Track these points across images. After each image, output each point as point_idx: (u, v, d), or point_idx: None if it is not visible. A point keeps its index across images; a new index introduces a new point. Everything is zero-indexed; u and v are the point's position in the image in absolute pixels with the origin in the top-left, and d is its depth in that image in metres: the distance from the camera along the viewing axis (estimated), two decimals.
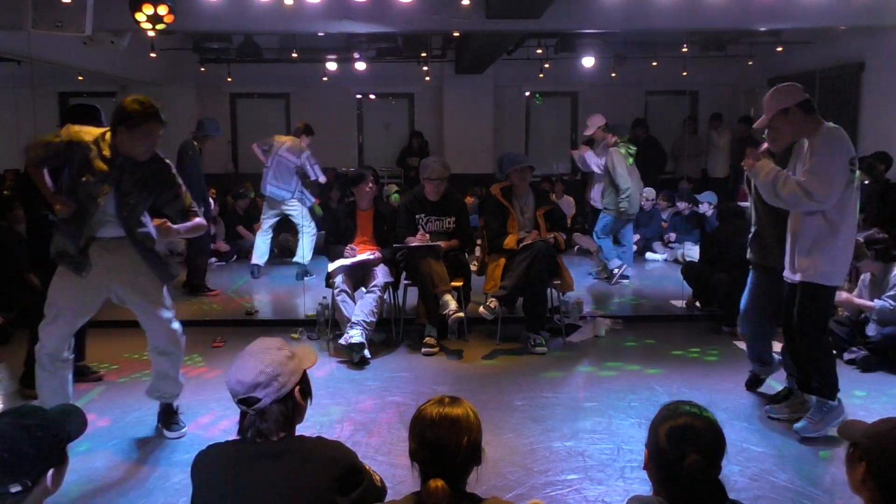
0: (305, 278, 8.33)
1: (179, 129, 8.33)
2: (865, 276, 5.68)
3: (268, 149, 8.50)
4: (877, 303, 5.41)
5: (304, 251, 8.47)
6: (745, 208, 8.22)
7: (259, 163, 8.69)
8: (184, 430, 4.26)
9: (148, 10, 6.20)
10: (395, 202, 7.86)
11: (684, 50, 10.01)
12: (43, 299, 3.99)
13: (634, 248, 9.74)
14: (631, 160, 8.08)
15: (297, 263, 8.53)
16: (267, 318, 6.96)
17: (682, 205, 9.75)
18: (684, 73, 10.35)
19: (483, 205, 6.70)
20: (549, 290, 6.14)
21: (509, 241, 6.00)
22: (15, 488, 1.79)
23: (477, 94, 12.40)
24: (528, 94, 12.90)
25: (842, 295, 5.43)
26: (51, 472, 1.85)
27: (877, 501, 1.82)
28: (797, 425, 4.18)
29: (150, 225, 4.06)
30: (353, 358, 5.52)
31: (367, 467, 2.28)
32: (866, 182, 7.78)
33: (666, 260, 9.59)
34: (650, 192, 9.76)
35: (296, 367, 2.21)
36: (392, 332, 6.29)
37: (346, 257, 5.99)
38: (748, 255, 4.68)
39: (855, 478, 1.86)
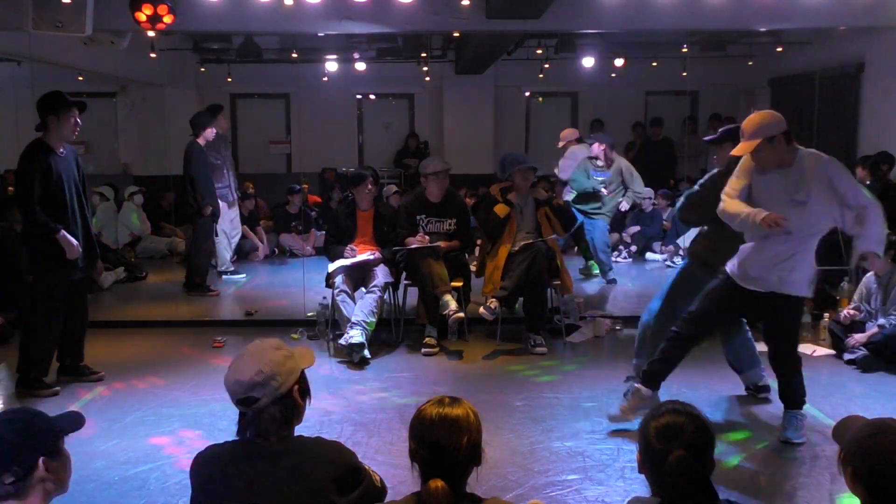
0: (232, 275, 8.49)
1: (179, 129, 8.33)
2: (870, 277, 5.68)
3: None
4: (882, 321, 5.46)
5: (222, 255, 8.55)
6: None
7: (259, 162, 8.70)
8: None
9: (148, 10, 6.21)
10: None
11: (684, 50, 10.02)
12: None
13: (634, 248, 9.76)
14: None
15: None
16: (267, 319, 6.96)
17: None
18: (684, 73, 10.36)
19: (480, 203, 6.69)
20: (548, 290, 6.14)
21: (499, 209, 6.00)
22: (8, 479, 1.82)
23: (477, 94, 12.40)
24: (527, 94, 12.90)
25: (854, 337, 5.51)
26: (42, 459, 1.86)
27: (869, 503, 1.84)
28: (785, 435, 4.17)
29: None
30: (353, 358, 5.52)
31: (367, 467, 2.28)
32: (868, 182, 7.78)
33: (665, 260, 9.59)
34: (648, 192, 9.74)
35: (293, 366, 2.21)
36: (392, 332, 6.29)
37: (346, 258, 5.99)
38: (698, 253, 4.66)
39: (846, 479, 1.88)
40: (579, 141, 8.52)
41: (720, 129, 4.72)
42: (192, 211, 7.72)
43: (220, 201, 8.06)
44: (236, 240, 8.76)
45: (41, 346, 4.95)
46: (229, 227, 8.46)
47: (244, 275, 8.64)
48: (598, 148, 8.05)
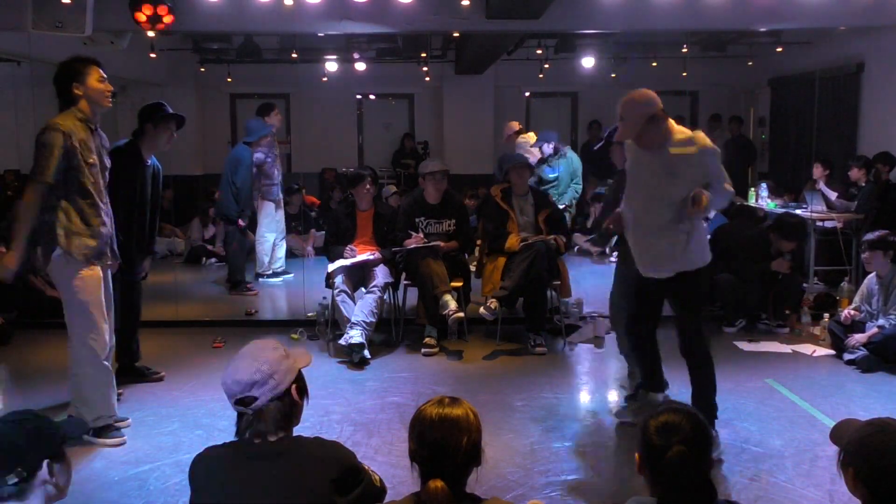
0: (286, 275, 8.45)
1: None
2: (871, 278, 5.68)
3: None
4: (881, 321, 5.47)
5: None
6: (756, 207, 8.18)
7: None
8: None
9: (148, 10, 6.22)
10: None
11: (684, 50, 10.01)
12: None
13: None
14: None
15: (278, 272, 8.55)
16: (267, 319, 6.95)
17: None
18: (684, 74, 10.34)
19: (482, 207, 6.70)
20: (549, 290, 6.14)
21: (511, 244, 5.98)
22: (12, 480, 1.84)
23: (477, 94, 12.40)
24: (527, 94, 12.89)
25: (854, 337, 5.50)
26: (46, 462, 1.87)
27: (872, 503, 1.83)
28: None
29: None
30: (353, 358, 5.52)
31: (367, 467, 2.28)
32: (863, 184, 7.77)
33: None
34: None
35: (291, 365, 2.20)
36: (392, 332, 6.29)
37: (346, 258, 5.99)
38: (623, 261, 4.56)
39: (847, 481, 1.88)
40: (518, 133, 8.34)
41: (603, 134, 4.67)
42: (233, 217, 7.74)
43: (266, 200, 8.14)
44: (283, 239, 8.66)
45: None
46: (275, 226, 8.42)
47: (292, 273, 8.57)
48: (548, 147, 7.95)
